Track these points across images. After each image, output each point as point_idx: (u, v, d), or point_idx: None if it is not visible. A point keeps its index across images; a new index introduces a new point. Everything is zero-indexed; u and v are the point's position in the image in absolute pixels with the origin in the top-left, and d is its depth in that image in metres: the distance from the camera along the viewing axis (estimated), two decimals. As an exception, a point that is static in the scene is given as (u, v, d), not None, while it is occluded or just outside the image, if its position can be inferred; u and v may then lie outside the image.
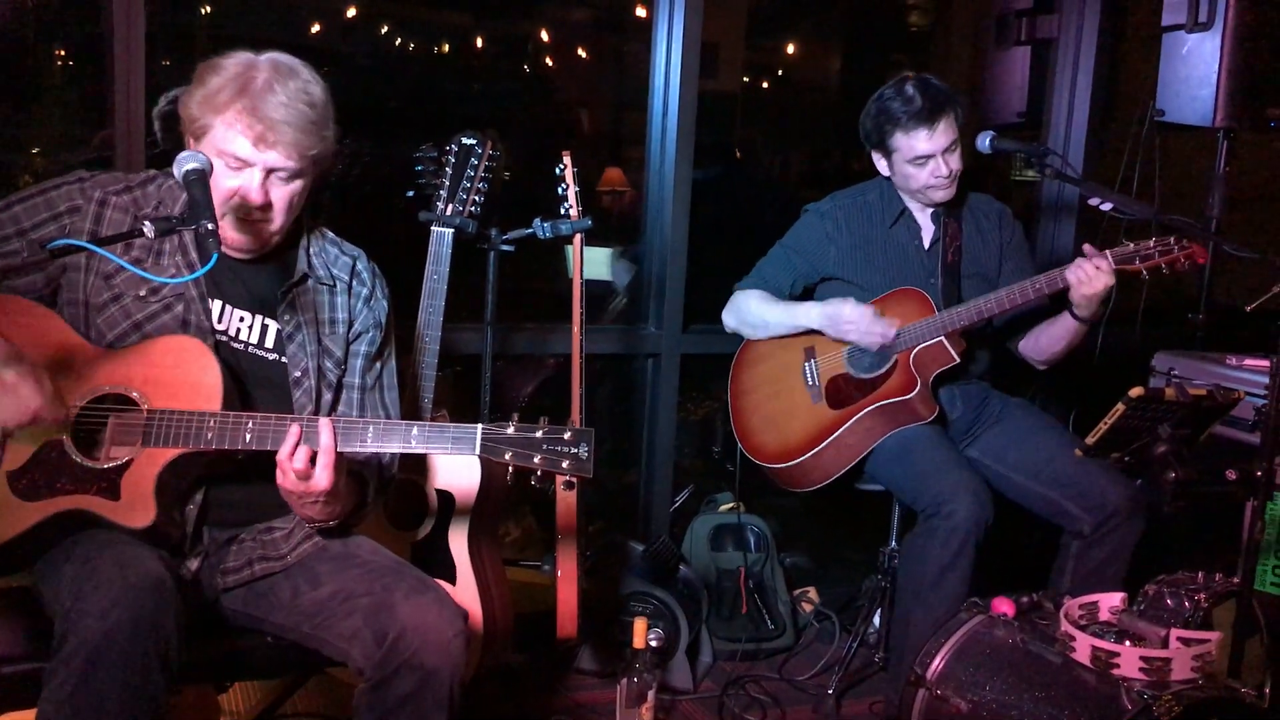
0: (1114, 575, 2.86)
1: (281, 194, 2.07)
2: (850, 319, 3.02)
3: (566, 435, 1.93)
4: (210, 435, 1.95)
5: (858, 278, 3.14)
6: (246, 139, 2.00)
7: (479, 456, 1.94)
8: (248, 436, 1.94)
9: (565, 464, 1.92)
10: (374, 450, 2.02)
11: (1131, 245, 2.81)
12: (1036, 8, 3.86)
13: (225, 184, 2.03)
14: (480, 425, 1.94)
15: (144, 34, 2.85)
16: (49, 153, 3.38)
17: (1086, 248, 2.84)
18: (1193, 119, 3.36)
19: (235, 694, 2.87)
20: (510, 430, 1.93)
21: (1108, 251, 2.82)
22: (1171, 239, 2.80)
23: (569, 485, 2.85)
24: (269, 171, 2.04)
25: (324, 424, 1.93)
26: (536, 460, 1.92)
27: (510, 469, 1.95)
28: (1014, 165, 4.39)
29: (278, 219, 2.10)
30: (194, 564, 2.11)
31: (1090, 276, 2.80)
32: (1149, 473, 2.45)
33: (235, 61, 2.03)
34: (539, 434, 1.93)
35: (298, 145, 2.02)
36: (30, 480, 1.96)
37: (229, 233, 2.08)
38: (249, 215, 2.06)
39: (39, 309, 2.03)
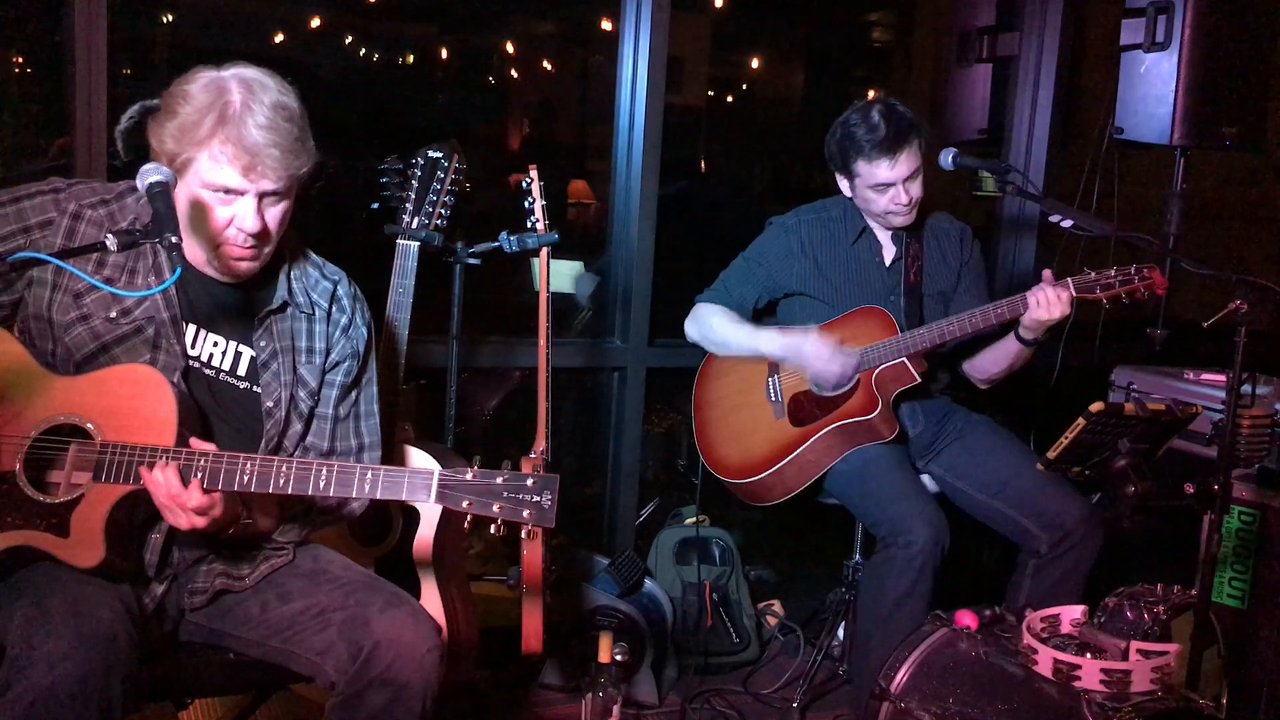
0: (1069, 594, 2.88)
1: (274, 216, 2.02)
2: (811, 350, 3.02)
3: (529, 482, 1.84)
4: None
5: (820, 294, 3.15)
6: (234, 169, 1.94)
7: (434, 504, 1.86)
8: (199, 475, 1.88)
9: (526, 513, 1.83)
10: (329, 495, 1.92)
11: (1093, 274, 2.84)
12: (998, 26, 3.91)
13: (218, 215, 1.97)
14: (437, 470, 1.87)
15: (106, 43, 2.82)
16: (5, 163, 3.32)
17: (1047, 274, 2.88)
18: (1150, 137, 3.41)
19: (195, 711, 2.83)
20: (468, 476, 1.85)
21: (1069, 280, 2.85)
22: (1132, 268, 2.83)
23: (531, 535, 2.70)
24: (261, 196, 1.98)
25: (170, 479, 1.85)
26: (496, 509, 1.84)
27: (469, 517, 1.87)
28: (974, 182, 4.44)
29: (274, 241, 2.05)
30: (160, 589, 2.08)
31: (1050, 303, 2.82)
32: (1109, 487, 2.48)
33: (202, 86, 1.96)
34: (499, 480, 1.84)
35: (287, 166, 1.97)
36: None
37: (226, 262, 2.03)
38: (245, 242, 2.00)
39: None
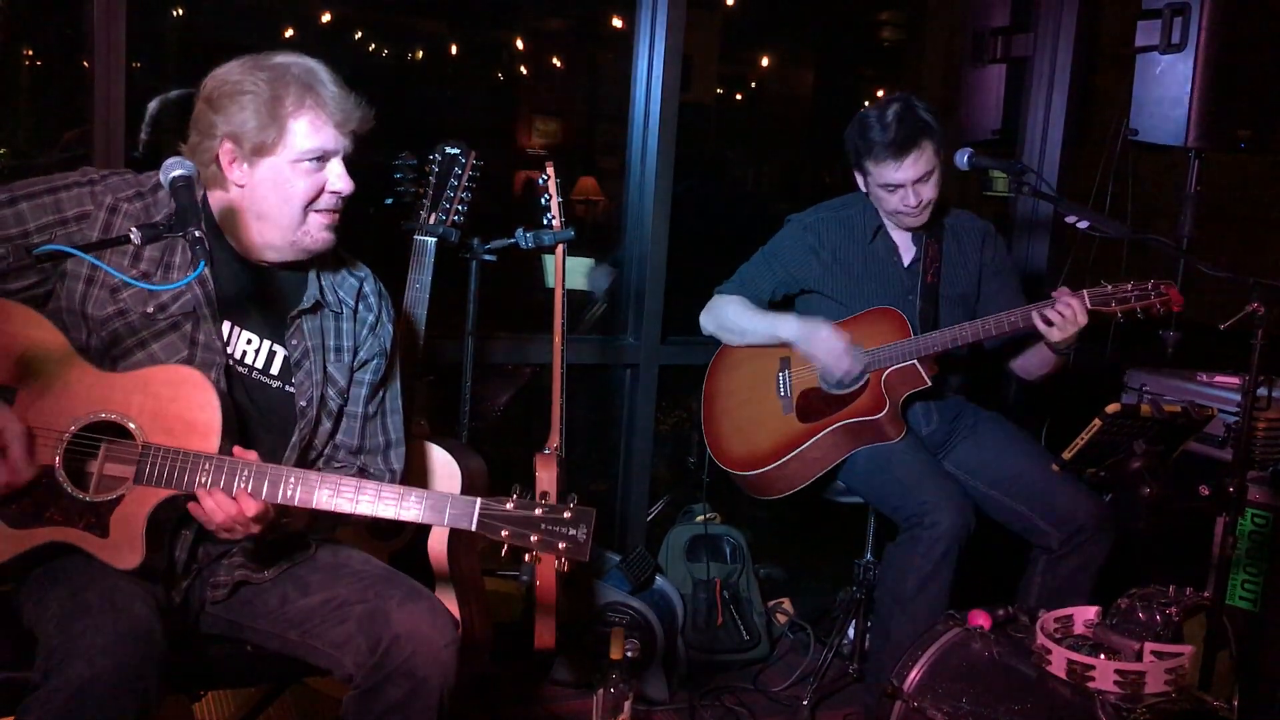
0: (1079, 591, 2.89)
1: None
2: (824, 340, 3.03)
3: (566, 515, 1.89)
4: (205, 479, 1.88)
5: (837, 293, 3.15)
6: (331, 127, 2.01)
7: (475, 531, 1.89)
8: (243, 485, 1.89)
9: (562, 545, 1.88)
10: (365, 514, 1.94)
11: (1110, 287, 2.83)
12: (1012, 26, 3.91)
13: (307, 186, 2.02)
14: (479, 500, 1.90)
15: (125, 36, 2.82)
16: (17, 154, 3.33)
17: (1062, 290, 2.87)
18: (1165, 138, 3.41)
19: (209, 704, 2.84)
20: (509, 507, 1.89)
21: (1084, 293, 2.84)
22: (1149, 284, 2.82)
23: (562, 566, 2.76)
24: (344, 157, 2.06)
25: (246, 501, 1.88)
26: (533, 539, 1.88)
27: (506, 547, 1.90)
28: (985, 181, 4.44)
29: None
30: (185, 583, 2.09)
31: (1065, 322, 2.82)
32: (1123, 488, 2.49)
33: (250, 70, 2.00)
34: (538, 512, 1.89)
35: (365, 117, 2.07)
36: (19, 507, 1.90)
37: (316, 235, 2.07)
38: (337, 206, 2.07)
39: (39, 318, 1.95)
